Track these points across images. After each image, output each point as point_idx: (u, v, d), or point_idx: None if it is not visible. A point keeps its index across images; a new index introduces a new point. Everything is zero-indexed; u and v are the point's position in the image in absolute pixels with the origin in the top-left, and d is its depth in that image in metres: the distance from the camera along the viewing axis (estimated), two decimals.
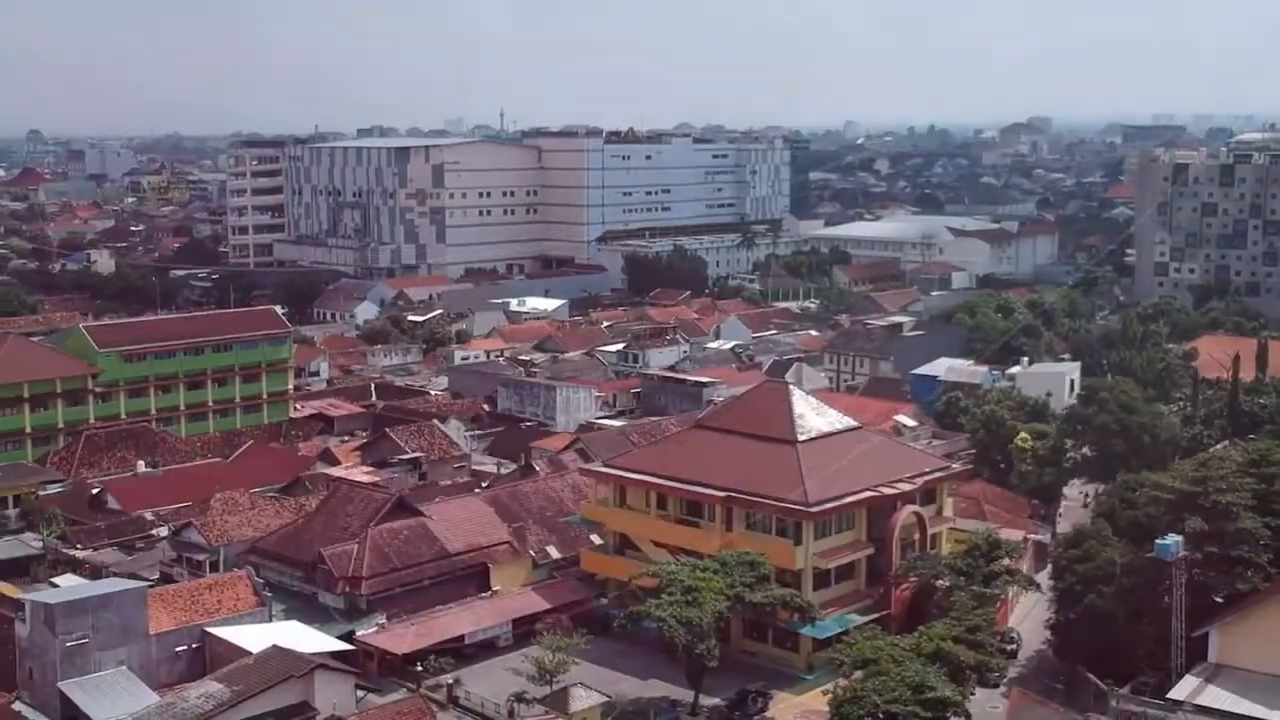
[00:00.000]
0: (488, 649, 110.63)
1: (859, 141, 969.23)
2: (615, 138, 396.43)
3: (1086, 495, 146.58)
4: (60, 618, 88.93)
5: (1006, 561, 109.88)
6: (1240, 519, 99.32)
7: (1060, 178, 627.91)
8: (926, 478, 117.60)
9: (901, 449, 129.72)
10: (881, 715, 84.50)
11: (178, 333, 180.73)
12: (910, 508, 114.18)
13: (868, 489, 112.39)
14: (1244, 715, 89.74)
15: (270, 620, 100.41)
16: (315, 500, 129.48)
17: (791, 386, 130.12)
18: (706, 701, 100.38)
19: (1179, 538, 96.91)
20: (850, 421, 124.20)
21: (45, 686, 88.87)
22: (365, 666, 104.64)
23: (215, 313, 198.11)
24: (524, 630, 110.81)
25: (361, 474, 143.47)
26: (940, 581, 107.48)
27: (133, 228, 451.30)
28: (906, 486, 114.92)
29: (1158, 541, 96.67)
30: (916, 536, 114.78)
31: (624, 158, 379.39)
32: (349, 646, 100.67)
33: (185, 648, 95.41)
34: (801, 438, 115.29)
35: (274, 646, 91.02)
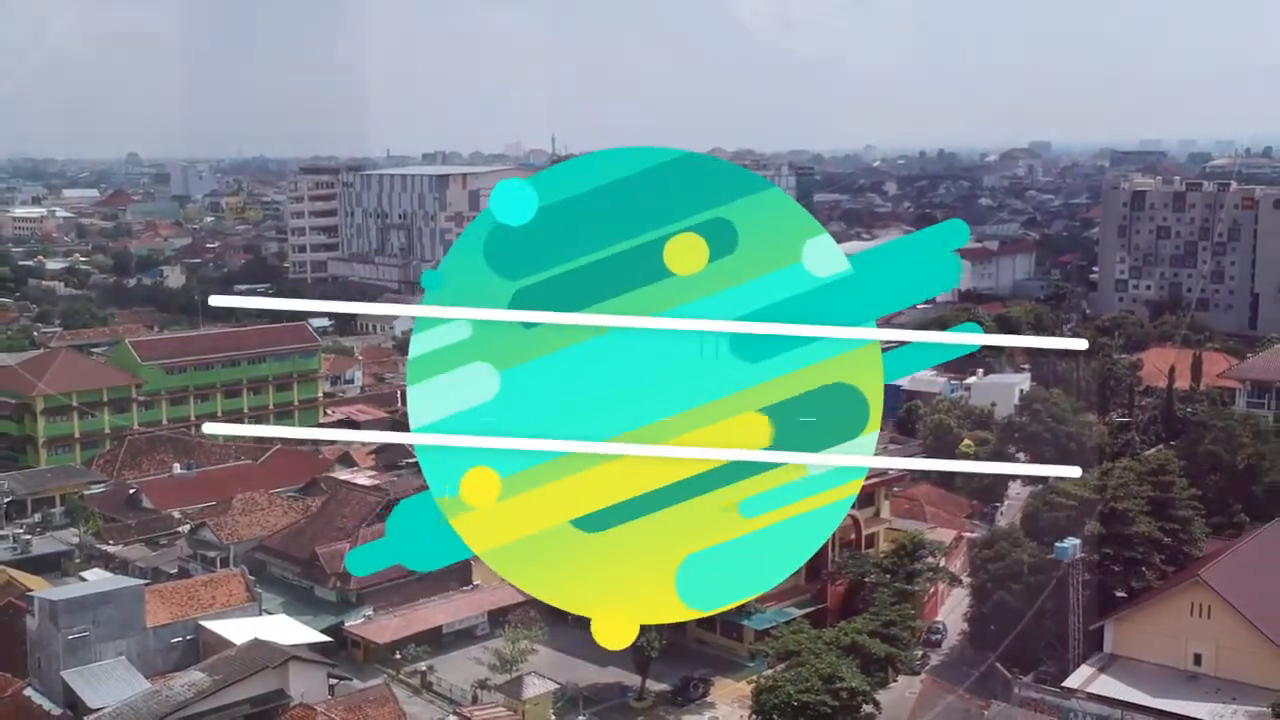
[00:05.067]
0: (467, 638, 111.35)
1: (875, 164, 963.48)
2: None
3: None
4: (62, 613, 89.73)
5: (931, 560, 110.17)
6: (1136, 523, 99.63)
7: (1050, 199, 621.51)
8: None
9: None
10: (795, 704, 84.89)
11: (216, 346, 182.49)
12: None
13: None
14: (1129, 702, 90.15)
15: (260, 614, 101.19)
16: (321, 501, 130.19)
17: None
18: (655, 687, 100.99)
19: (1076, 540, 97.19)
20: None
21: (51, 675, 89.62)
22: (354, 655, 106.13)
23: (251, 327, 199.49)
24: (501, 620, 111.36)
25: (365, 477, 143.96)
26: (868, 578, 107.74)
27: (208, 245, 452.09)
28: None
29: (1056, 545, 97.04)
30: (853, 536, 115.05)
31: None
32: (328, 638, 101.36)
33: (180, 640, 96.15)
34: None
35: (255, 639, 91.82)
